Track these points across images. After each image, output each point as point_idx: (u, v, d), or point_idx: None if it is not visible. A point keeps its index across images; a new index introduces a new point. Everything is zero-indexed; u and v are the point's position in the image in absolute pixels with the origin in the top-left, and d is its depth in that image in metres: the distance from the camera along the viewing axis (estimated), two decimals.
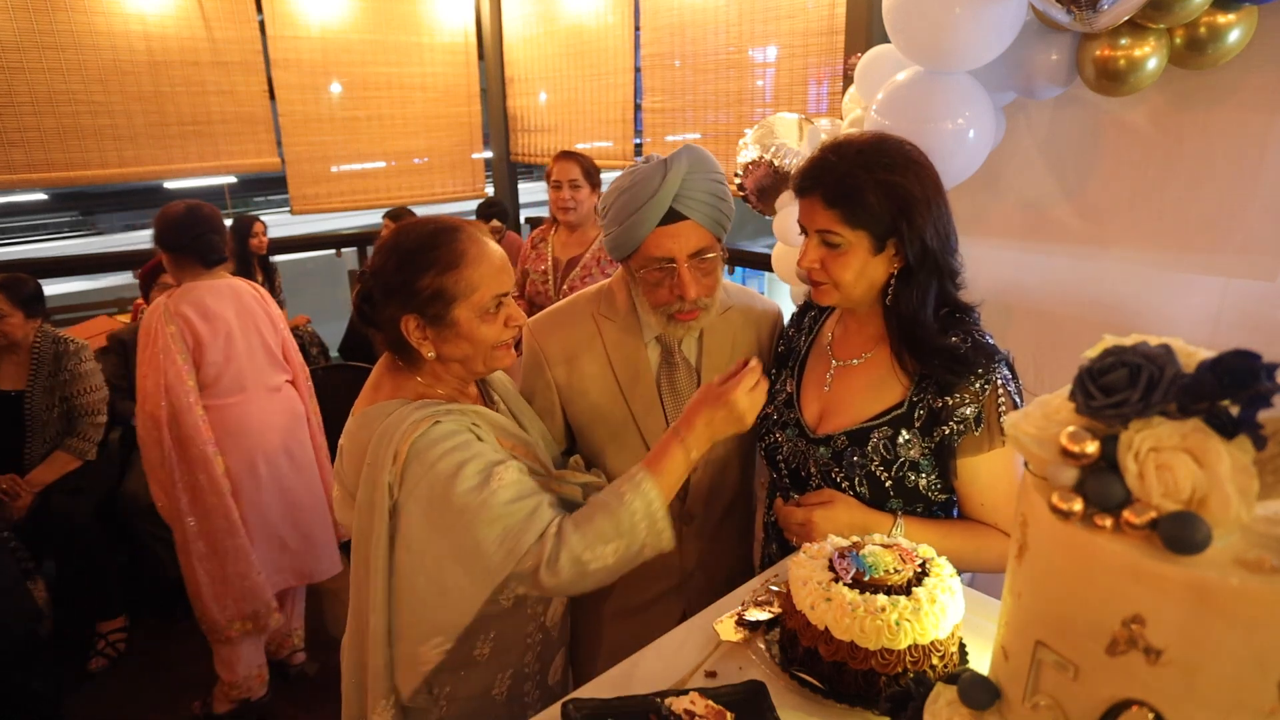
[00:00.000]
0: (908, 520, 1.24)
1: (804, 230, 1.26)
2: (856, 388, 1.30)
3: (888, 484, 1.25)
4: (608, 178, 3.36)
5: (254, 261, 4.12)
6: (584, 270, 2.89)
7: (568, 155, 2.91)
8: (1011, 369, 1.24)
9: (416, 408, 1.18)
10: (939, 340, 1.21)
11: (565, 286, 2.90)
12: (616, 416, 1.45)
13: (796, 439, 1.34)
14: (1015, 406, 1.22)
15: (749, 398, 1.21)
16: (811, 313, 1.47)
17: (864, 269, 1.21)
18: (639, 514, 1.14)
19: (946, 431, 1.21)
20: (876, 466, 1.25)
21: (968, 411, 1.19)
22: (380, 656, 1.21)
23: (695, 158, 1.31)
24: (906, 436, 1.23)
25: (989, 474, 1.22)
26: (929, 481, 1.25)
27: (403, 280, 1.17)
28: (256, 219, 4.24)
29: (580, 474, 1.36)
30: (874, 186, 1.16)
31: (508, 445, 1.25)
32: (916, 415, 1.23)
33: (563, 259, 2.95)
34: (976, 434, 1.20)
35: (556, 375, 1.46)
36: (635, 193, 1.29)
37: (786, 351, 1.47)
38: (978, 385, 1.19)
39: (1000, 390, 1.20)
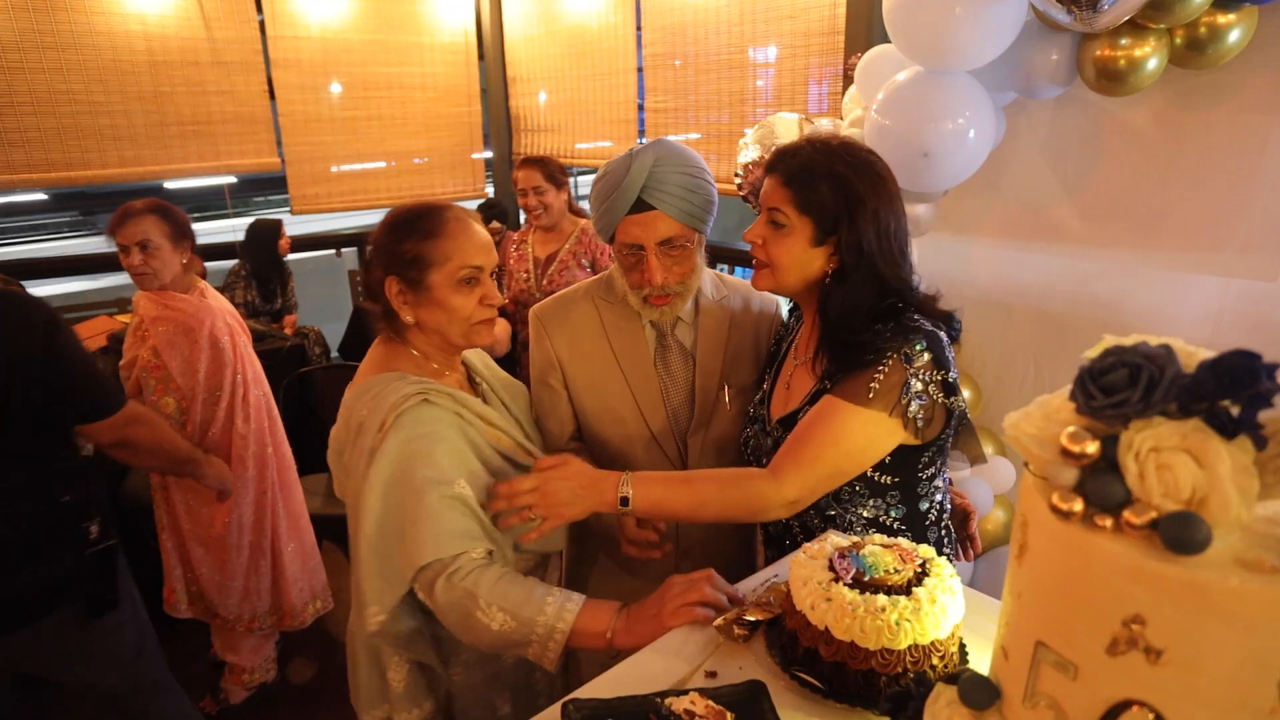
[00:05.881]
0: (637, 475, 1.23)
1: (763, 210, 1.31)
2: (799, 380, 1.36)
3: None
4: None
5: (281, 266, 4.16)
6: (561, 265, 3.02)
7: (529, 162, 3.00)
8: (935, 345, 1.20)
9: (411, 382, 1.23)
10: (856, 341, 1.21)
11: (545, 282, 3.01)
12: (615, 392, 1.50)
13: (760, 433, 1.40)
14: (904, 384, 1.18)
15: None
16: (794, 315, 1.52)
17: (801, 257, 1.25)
18: (551, 611, 1.13)
19: None
20: None
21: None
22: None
23: (664, 152, 1.36)
24: None
25: (814, 411, 1.23)
26: None
27: (390, 244, 1.27)
28: (280, 221, 4.26)
29: None
30: (828, 176, 1.21)
31: (493, 435, 1.30)
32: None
33: (541, 256, 3.07)
34: (839, 378, 1.22)
35: (560, 353, 1.51)
36: (607, 182, 1.38)
37: (772, 353, 1.53)
38: (871, 357, 1.20)
39: (890, 360, 1.18)
